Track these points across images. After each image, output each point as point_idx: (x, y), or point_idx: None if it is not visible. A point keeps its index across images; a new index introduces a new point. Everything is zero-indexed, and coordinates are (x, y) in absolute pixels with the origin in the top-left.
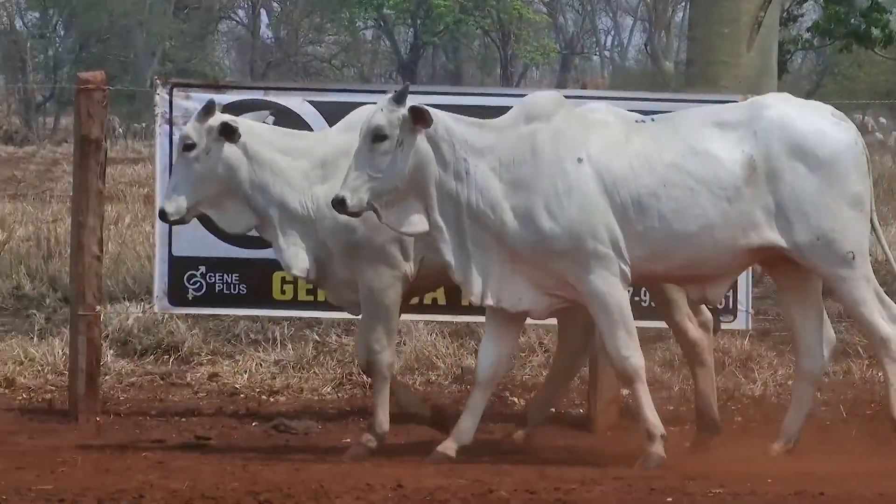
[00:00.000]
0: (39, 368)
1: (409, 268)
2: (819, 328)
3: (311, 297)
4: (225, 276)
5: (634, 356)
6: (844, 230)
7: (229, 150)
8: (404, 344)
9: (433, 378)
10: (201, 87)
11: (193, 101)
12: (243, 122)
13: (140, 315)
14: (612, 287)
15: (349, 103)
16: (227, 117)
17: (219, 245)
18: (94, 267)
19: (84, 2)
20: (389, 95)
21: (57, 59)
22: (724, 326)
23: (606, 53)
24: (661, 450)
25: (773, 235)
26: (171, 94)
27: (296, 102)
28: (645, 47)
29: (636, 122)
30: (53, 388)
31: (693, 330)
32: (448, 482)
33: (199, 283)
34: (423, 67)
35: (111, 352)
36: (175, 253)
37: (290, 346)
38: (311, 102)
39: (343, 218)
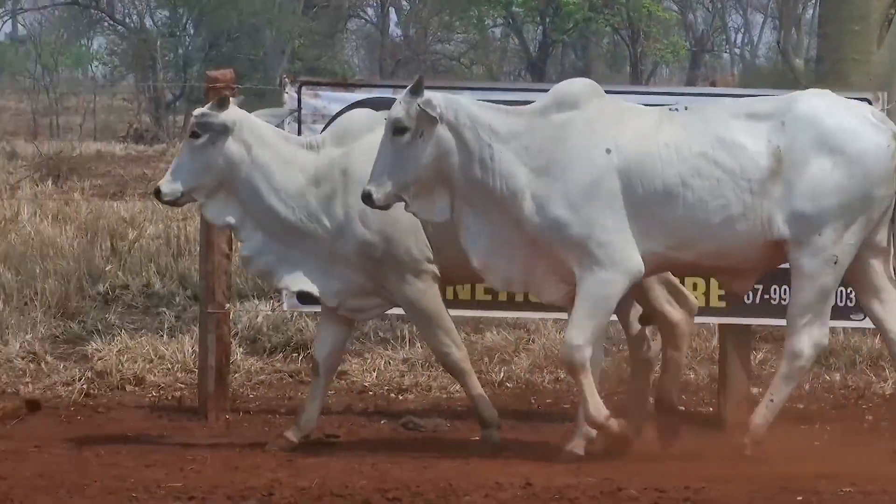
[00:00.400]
0: (169, 366)
1: (434, 268)
2: None
3: (488, 297)
4: None
5: (584, 348)
6: (840, 233)
7: (233, 145)
8: (532, 342)
9: (562, 376)
10: (330, 85)
11: (322, 99)
12: (253, 123)
13: (269, 313)
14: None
15: None
16: (239, 114)
17: None
18: (224, 265)
19: (214, 0)
20: (407, 87)
21: (186, 57)
22: (854, 325)
23: (736, 51)
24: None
25: (786, 230)
26: (299, 93)
27: None
28: (777, 45)
29: (669, 110)
30: (183, 385)
31: (674, 312)
32: (577, 480)
33: None
34: (551, 65)
35: (240, 349)
36: None
37: (418, 344)
38: None
39: (360, 236)
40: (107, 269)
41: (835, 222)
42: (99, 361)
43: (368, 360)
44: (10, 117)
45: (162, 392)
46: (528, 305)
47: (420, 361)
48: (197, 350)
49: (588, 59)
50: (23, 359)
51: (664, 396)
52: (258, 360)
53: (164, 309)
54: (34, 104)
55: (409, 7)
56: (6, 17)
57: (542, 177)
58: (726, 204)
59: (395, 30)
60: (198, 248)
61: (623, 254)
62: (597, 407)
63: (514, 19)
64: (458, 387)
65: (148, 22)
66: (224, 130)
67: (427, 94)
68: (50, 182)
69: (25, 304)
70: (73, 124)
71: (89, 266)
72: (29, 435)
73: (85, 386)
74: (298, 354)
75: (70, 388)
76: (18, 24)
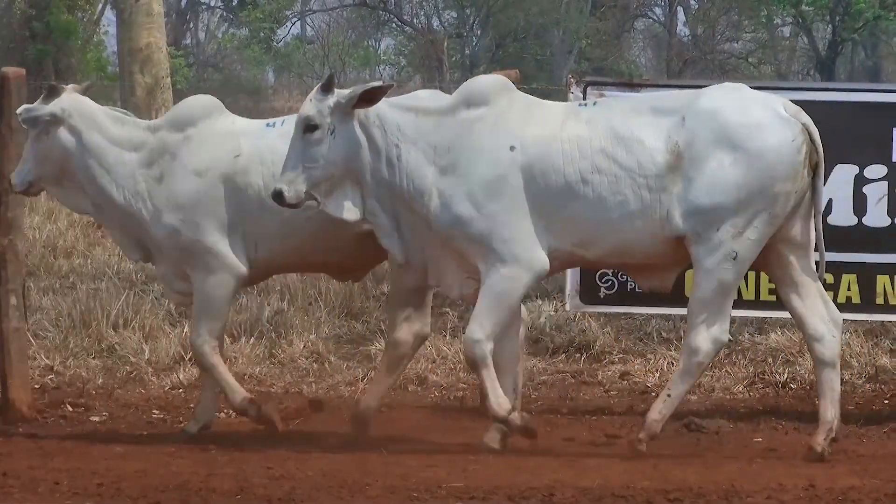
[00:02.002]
0: (452, 366)
1: (235, 261)
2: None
3: (773, 297)
4: None
5: (485, 343)
6: (744, 229)
7: (63, 133)
8: None
9: (846, 377)
10: (615, 85)
11: (608, 99)
12: (83, 108)
13: (552, 313)
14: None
15: None
16: (67, 102)
17: None
18: None
19: (501, 0)
20: (317, 86)
21: (473, 57)
22: None
23: None
24: None
25: (685, 226)
26: (584, 93)
27: None
28: None
29: (578, 105)
30: (465, 385)
31: (403, 331)
32: (861, 482)
33: (610, 282)
34: (841, 64)
35: (523, 350)
36: None
37: None
38: None
39: (170, 224)
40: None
41: (733, 218)
42: None
43: (651, 361)
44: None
45: (444, 392)
46: None
47: None
48: None
49: (878, 58)
50: (306, 359)
51: (364, 409)
52: (541, 360)
53: (448, 309)
54: None
55: (697, 6)
56: (294, 19)
57: (449, 175)
58: (624, 200)
59: (682, 29)
60: None
61: (526, 251)
62: (498, 401)
63: (803, 18)
64: (741, 387)
65: (435, 22)
66: (54, 121)
67: (337, 92)
68: None
69: (310, 304)
70: None
71: None
72: (312, 435)
73: (368, 385)
74: (581, 355)
75: (353, 387)
76: (306, 26)
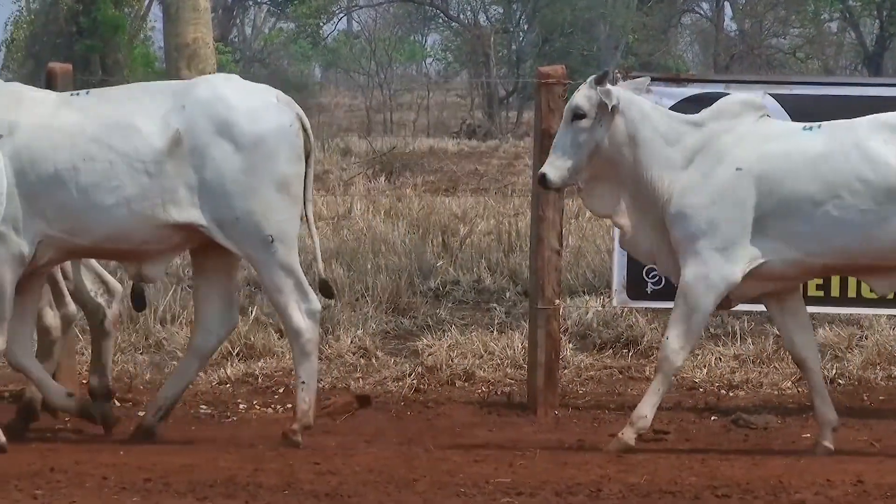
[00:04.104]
0: (499, 362)
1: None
2: (223, 306)
3: (820, 293)
4: None
5: None
6: (266, 213)
7: None
8: (866, 338)
9: (895, 373)
10: (662, 80)
11: (654, 94)
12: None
13: (599, 308)
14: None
15: (811, 96)
16: None
17: None
18: (554, 261)
19: None
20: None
21: (520, 53)
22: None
23: None
24: None
25: (194, 213)
26: None
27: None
28: None
29: (70, 95)
30: (512, 381)
31: (50, 317)
32: None
33: (657, 277)
34: (889, 59)
35: (570, 345)
36: None
37: (749, 340)
38: (773, 95)
39: None
40: (437, 264)
41: (248, 203)
42: (429, 357)
43: (699, 357)
44: (345, 114)
45: (491, 387)
46: (860, 301)
47: (751, 358)
48: (526, 346)
49: None
50: (353, 354)
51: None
52: (587, 355)
53: (495, 304)
54: (368, 101)
55: (744, 1)
56: (341, 14)
57: None
58: (119, 186)
59: (729, 24)
60: (528, 244)
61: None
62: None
63: (850, 13)
64: (789, 383)
65: (482, 18)
66: None
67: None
68: (382, 178)
69: (357, 299)
70: (406, 120)
71: (420, 262)
72: (359, 430)
73: (415, 381)
74: (628, 350)
75: (400, 383)
76: (353, 21)
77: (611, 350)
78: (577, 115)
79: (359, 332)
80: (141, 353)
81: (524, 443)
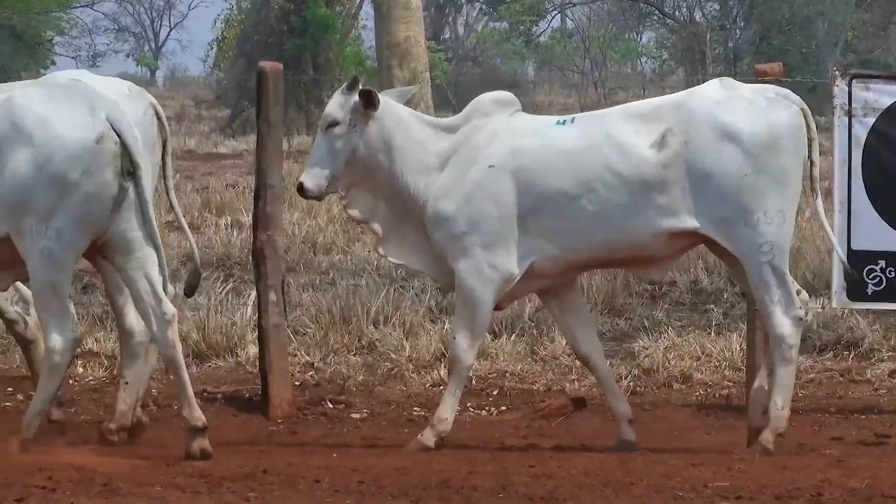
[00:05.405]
0: (717, 364)
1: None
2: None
3: None
4: None
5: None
6: None
7: None
8: None
9: None
10: (881, 78)
11: (873, 92)
12: None
13: (819, 310)
14: None
15: None
16: None
17: None
18: None
19: None
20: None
21: (736, 50)
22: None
23: None
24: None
25: None
26: (849, 86)
27: None
28: None
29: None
30: (731, 383)
31: (130, 318)
32: None
33: (878, 278)
34: None
35: None
36: (854, 247)
37: None
38: None
39: None
40: None
41: (31, 216)
42: (646, 359)
43: None
44: (558, 112)
45: (709, 390)
46: None
47: None
48: (745, 348)
49: None
50: (568, 356)
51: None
52: (807, 357)
53: (712, 306)
54: (582, 99)
55: None
56: (555, 12)
57: None
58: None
59: None
60: None
61: None
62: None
63: None
64: None
65: (697, 15)
66: None
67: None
68: None
69: None
70: None
71: None
72: (575, 433)
73: (631, 383)
74: (849, 353)
75: (616, 385)
76: (567, 19)
77: (831, 352)
78: (331, 122)
79: None
80: (353, 355)
81: (741, 446)
